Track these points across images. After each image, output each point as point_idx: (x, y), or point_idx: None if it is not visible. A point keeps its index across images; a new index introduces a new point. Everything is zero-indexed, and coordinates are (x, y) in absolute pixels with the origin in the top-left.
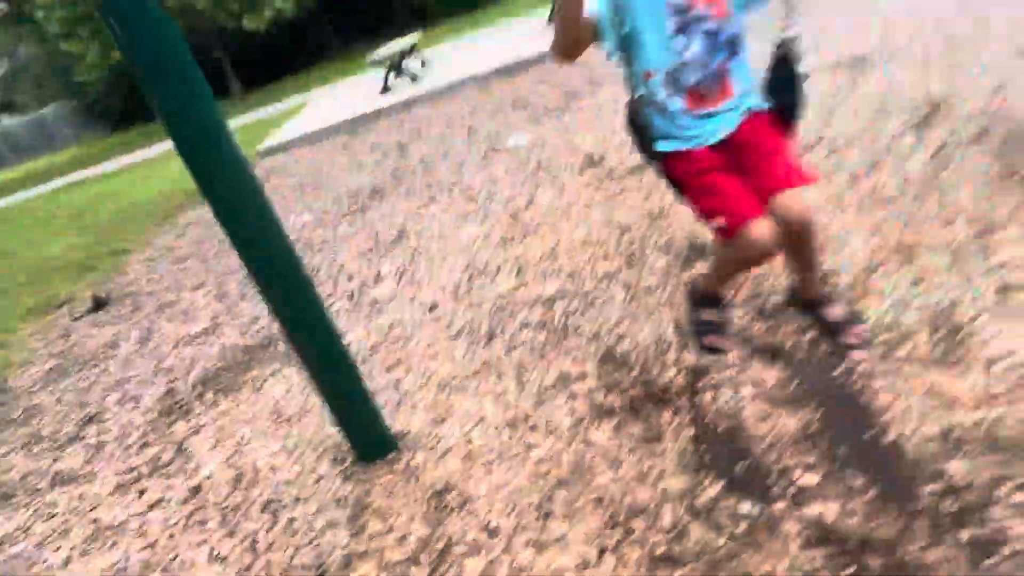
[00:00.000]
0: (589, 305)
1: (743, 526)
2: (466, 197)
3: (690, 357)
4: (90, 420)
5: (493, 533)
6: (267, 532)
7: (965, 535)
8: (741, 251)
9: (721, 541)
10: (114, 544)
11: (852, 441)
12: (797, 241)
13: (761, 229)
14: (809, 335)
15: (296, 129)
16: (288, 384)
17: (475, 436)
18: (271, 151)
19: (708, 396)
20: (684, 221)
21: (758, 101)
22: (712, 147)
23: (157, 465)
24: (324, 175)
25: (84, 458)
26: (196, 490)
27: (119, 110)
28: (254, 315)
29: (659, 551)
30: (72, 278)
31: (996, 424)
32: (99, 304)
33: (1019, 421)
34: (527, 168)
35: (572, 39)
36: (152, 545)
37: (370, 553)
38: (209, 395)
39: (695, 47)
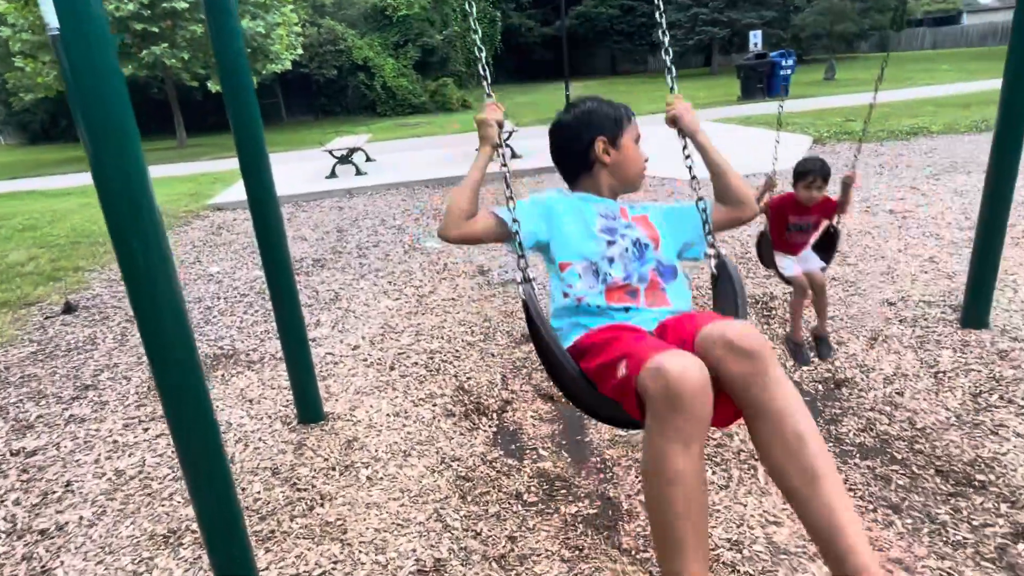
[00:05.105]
0: (455, 358)
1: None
2: (387, 280)
3: (504, 393)
4: (87, 388)
5: (376, 460)
6: (241, 453)
7: None
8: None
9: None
10: (131, 454)
11: None
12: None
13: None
14: None
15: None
16: (249, 381)
17: (374, 418)
18: (221, 207)
19: (507, 415)
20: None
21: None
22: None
23: (154, 416)
24: None
25: (91, 410)
26: None
27: (42, 124)
28: (219, 335)
29: (465, 475)
30: (39, 284)
31: None
32: (69, 308)
33: None
34: (436, 267)
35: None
36: (160, 454)
37: (305, 464)
38: None
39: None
